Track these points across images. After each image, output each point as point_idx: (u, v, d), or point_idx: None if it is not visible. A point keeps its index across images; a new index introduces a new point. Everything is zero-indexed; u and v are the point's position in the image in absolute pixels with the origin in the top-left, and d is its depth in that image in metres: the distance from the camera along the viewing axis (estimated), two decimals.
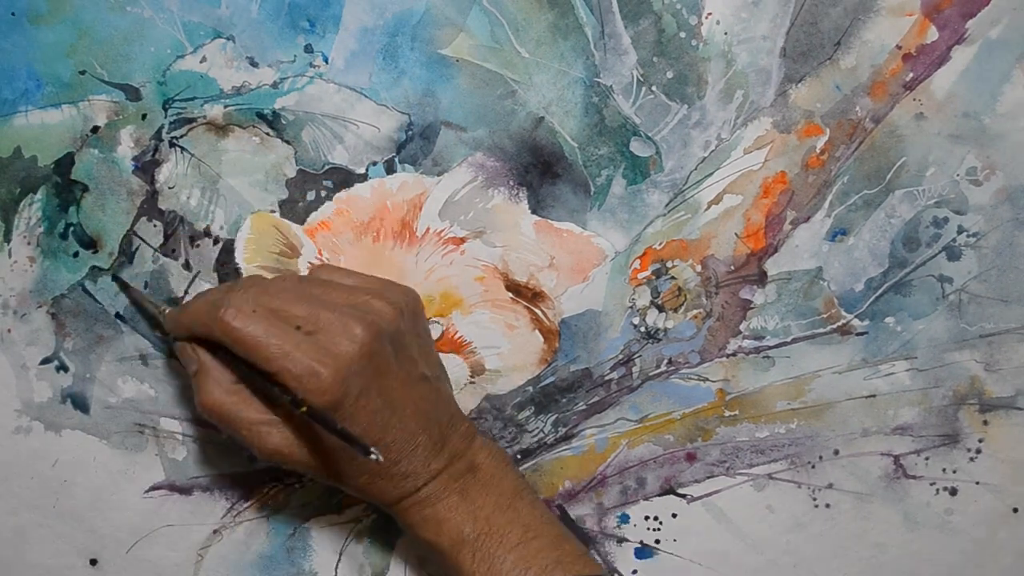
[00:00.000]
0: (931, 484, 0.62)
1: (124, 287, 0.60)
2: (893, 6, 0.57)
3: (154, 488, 0.63)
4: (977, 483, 0.62)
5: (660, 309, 0.61)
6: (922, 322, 0.61)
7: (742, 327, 0.61)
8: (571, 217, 0.60)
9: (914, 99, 0.59)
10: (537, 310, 0.61)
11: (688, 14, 0.58)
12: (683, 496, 0.63)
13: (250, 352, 0.48)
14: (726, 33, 0.58)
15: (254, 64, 0.58)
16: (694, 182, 0.60)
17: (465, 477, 0.53)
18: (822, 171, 0.60)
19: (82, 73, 0.58)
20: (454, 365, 0.61)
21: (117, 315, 0.61)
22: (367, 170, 0.59)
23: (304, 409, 0.47)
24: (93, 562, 0.63)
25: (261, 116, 0.59)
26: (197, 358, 0.52)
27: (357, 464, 0.51)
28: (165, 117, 0.59)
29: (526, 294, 0.61)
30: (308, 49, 0.58)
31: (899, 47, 0.58)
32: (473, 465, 0.54)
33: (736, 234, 0.60)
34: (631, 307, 0.61)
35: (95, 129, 0.59)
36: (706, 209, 0.60)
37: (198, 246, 0.60)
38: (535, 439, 0.63)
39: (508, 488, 0.54)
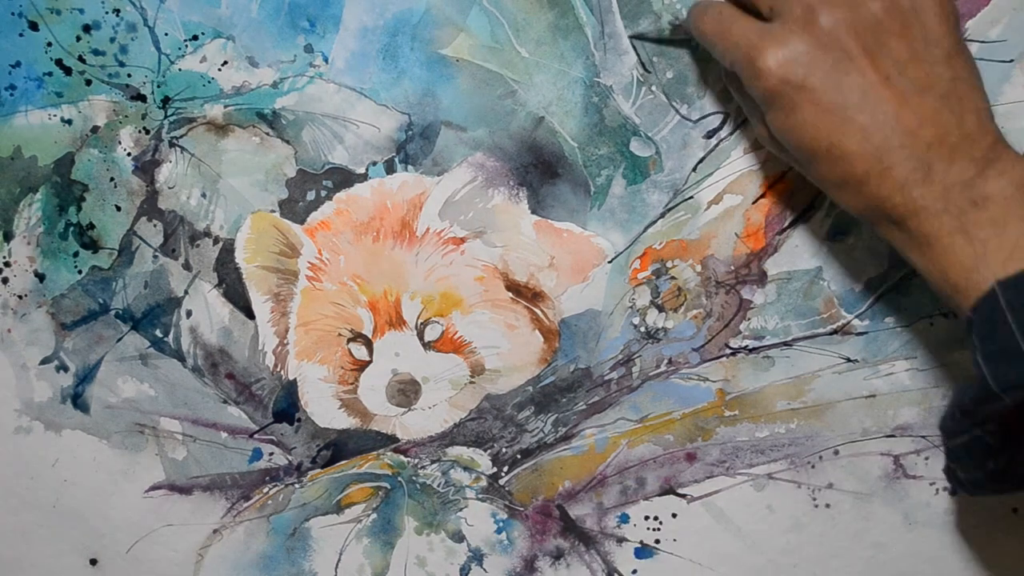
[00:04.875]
0: (931, 484, 0.62)
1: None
2: None
3: (154, 488, 0.63)
4: None
5: (660, 309, 0.61)
6: (922, 322, 0.61)
7: (742, 327, 0.61)
8: (571, 217, 0.60)
9: None
10: (537, 310, 0.61)
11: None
12: (683, 496, 0.63)
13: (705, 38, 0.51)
14: None
15: (254, 64, 0.58)
16: (694, 182, 0.60)
17: (966, 214, 0.45)
18: None
19: (82, 73, 0.58)
20: (454, 365, 0.61)
21: (117, 315, 0.61)
22: (367, 170, 0.59)
23: None
24: (93, 562, 0.63)
25: (261, 116, 0.59)
26: None
27: (817, 168, 0.48)
28: (165, 117, 0.59)
29: (526, 294, 0.61)
30: (308, 49, 0.58)
31: None
32: (980, 198, 0.45)
33: (736, 234, 0.60)
34: (631, 307, 0.61)
35: (95, 129, 0.59)
36: (706, 209, 0.60)
37: (198, 246, 0.60)
38: (535, 439, 0.63)
39: None
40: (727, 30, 0.49)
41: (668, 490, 0.63)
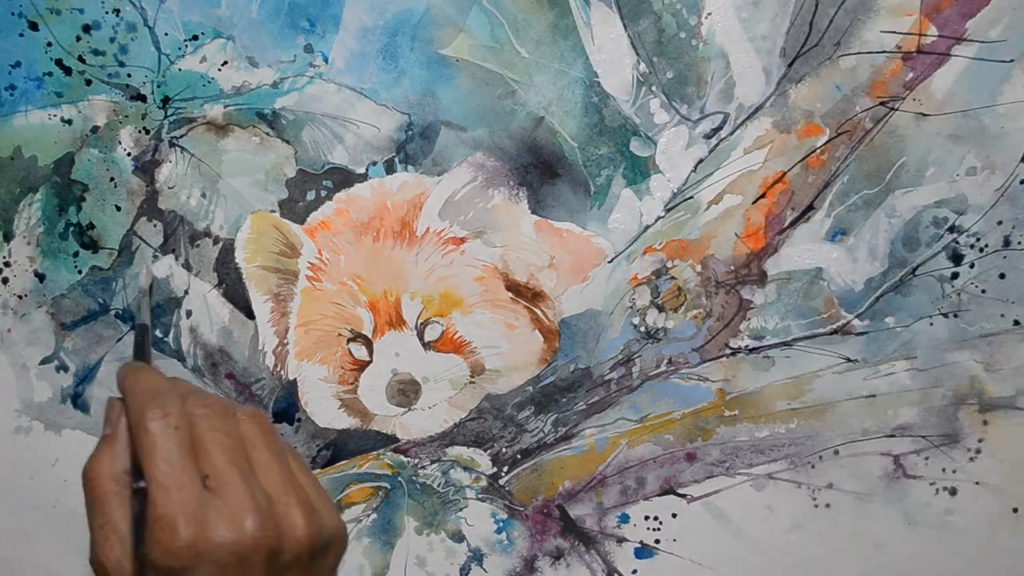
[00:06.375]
0: (931, 484, 0.62)
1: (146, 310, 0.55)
2: (893, 6, 0.57)
3: None
4: (977, 483, 0.62)
5: (660, 309, 0.61)
6: (922, 322, 0.61)
7: (742, 327, 0.61)
8: (571, 217, 0.60)
9: (914, 99, 0.59)
10: (537, 310, 0.61)
11: (688, 14, 0.58)
12: (683, 496, 0.63)
13: (144, 459, 0.43)
14: (726, 33, 0.58)
15: (254, 64, 0.58)
16: (694, 182, 0.60)
17: None
18: (822, 171, 0.60)
19: (82, 73, 0.58)
20: (454, 365, 0.61)
21: (117, 315, 0.61)
22: (367, 170, 0.59)
23: (138, 486, 0.42)
24: None
25: (261, 116, 0.59)
26: (116, 424, 0.45)
27: None
28: (165, 117, 0.59)
29: (526, 294, 0.61)
30: (308, 49, 0.58)
31: (899, 47, 0.58)
32: None
33: (736, 234, 0.60)
34: (631, 307, 0.61)
35: (95, 129, 0.59)
36: (706, 209, 0.60)
37: (198, 246, 0.60)
38: (535, 439, 0.63)
39: None
40: None
41: (668, 490, 0.63)
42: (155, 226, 0.60)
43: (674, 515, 0.63)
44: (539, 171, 0.60)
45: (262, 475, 0.44)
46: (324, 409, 0.62)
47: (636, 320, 0.61)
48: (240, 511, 0.42)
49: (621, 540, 0.63)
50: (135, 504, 0.43)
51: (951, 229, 0.60)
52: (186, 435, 0.43)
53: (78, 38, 0.58)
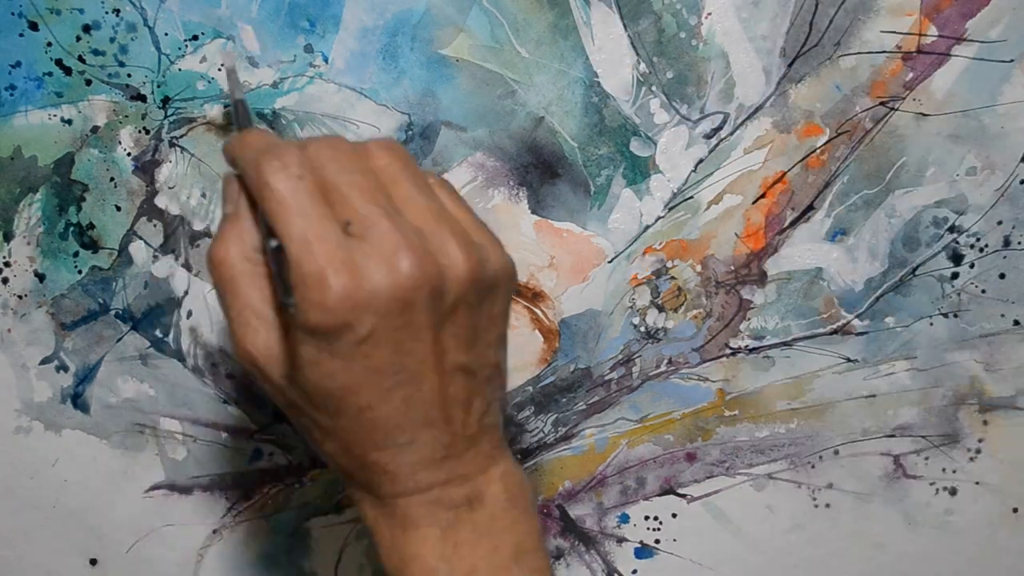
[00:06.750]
0: (931, 484, 0.62)
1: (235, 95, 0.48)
2: (893, 6, 0.57)
3: (154, 488, 0.63)
4: (977, 483, 0.62)
5: (660, 309, 0.61)
6: (922, 322, 0.61)
7: (742, 327, 0.61)
8: (571, 217, 0.60)
9: (914, 99, 0.59)
10: (537, 310, 0.61)
11: (688, 14, 0.58)
12: (683, 496, 0.63)
13: (274, 219, 0.38)
14: (726, 33, 0.58)
15: (254, 64, 0.58)
16: (694, 182, 0.60)
17: (459, 510, 0.41)
18: (822, 171, 0.60)
19: (82, 73, 0.58)
20: None
21: (117, 315, 0.61)
22: None
23: (275, 245, 0.37)
24: (93, 562, 0.63)
25: (261, 116, 0.59)
26: (236, 202, 0.41)
27: (332, 420, 0.39)
28: (165, 117, 0.59)
29: (526, 294, 0.61)
30: (308, 49, 0.58)
31: (899, 47, 0.58)
32: (475, 497, 0.41)
33: (736, 234, 0.60)
34: (631, 307, 0.61)
35: (95, 129, 0.59)
36: (706, 209, 0.60)
37: (198, 246, 0.60)
38: (535, 439, 0.63)
39: (510, 543, 0.41)
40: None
41: (668, 490, 0.63)
42: (155, 226, 0.60)
43: (674, 515, 0.63)
44: (539, 171, 0.60)
45: (408, 211, 0.39)
46: None
47: (636, 320, 0.61)
48: (392, 251, 0.37)
49: (621, 540, 0.63)
50: (275, 267, 0.38)
51: (951, 229, 0.60)
52: (314, 183, 0.38)
53: (78, 38, 0.58)
